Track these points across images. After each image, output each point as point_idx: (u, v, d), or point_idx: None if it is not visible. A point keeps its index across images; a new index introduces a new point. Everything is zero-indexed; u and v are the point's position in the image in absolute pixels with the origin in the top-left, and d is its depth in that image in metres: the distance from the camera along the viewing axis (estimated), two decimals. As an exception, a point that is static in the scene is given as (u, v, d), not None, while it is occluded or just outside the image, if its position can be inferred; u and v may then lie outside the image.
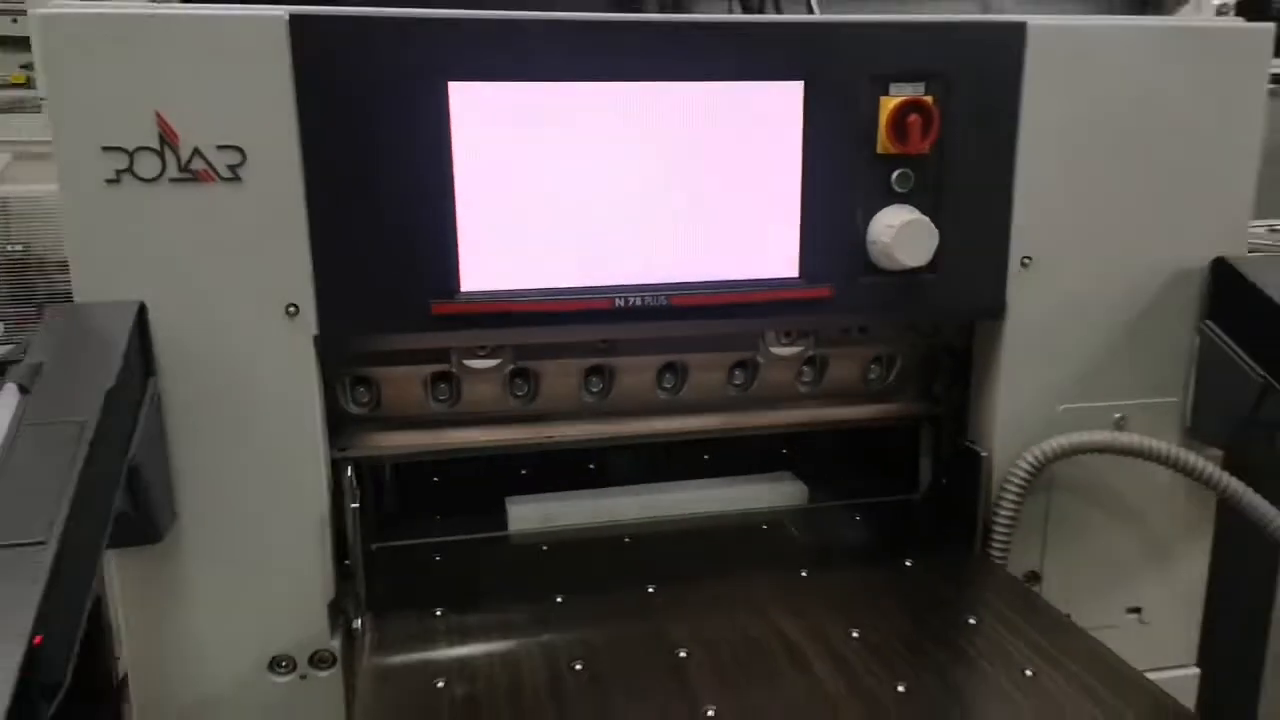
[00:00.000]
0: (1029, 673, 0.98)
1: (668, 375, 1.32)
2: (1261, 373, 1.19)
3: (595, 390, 1.30)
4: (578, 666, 1.01)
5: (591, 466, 1.50)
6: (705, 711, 0.93)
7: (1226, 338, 1.23)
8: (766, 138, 1.12)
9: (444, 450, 1.29)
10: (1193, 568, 1.37)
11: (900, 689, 0.96)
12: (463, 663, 1.02)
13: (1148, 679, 0.97)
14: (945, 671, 1.01)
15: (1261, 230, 2.30)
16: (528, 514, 1.36)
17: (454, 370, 1.23)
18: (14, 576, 0.73)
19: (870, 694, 0.96)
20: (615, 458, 1.51)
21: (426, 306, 1.09)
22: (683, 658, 1.02)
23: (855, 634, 1.06)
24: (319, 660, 1.15)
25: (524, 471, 1.50)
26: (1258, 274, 1.21)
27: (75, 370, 0.92)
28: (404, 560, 1.27)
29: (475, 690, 0.97)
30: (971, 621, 1.10)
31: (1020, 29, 1.16)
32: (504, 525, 1.36)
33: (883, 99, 1.13)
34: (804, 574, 1.22)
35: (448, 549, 1.30)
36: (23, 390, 0.88)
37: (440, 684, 0.98)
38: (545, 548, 1.31)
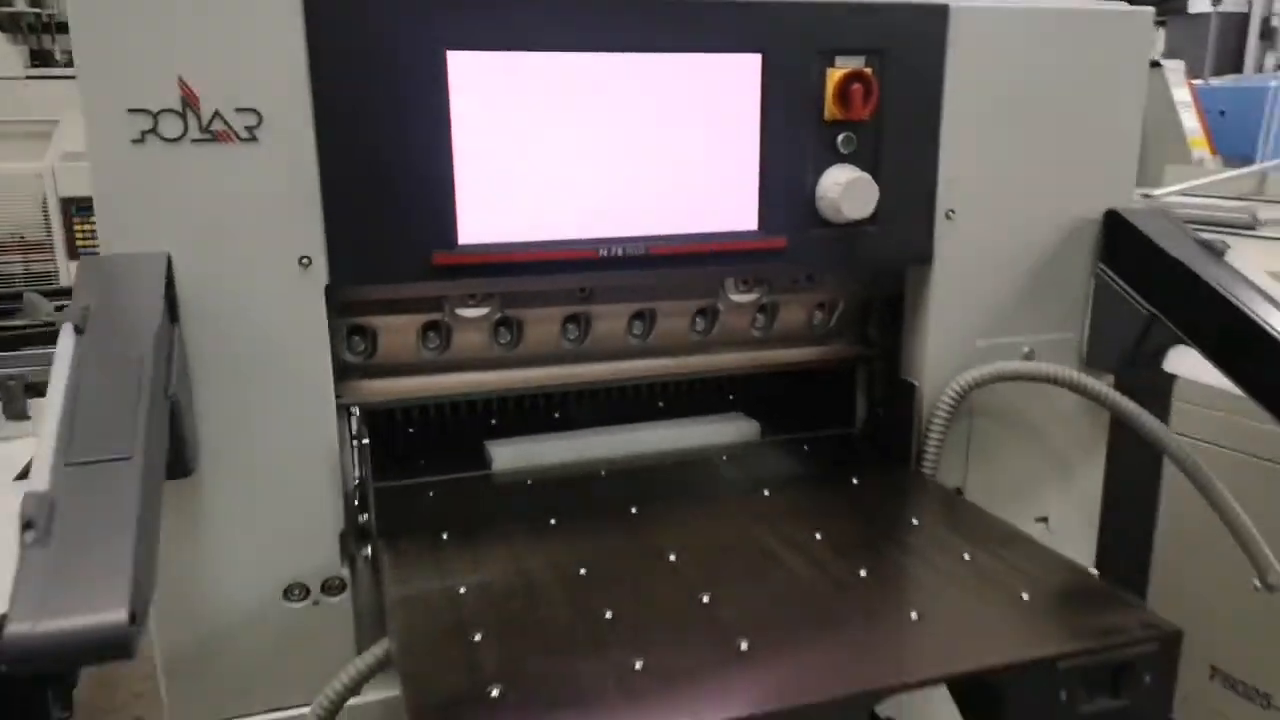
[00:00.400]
0: (967, 557, 1.16)
1: (637, 322, 1.45)
2: (1148, 306, 1.39)
3: (573, 337, 1.43)
4: (582, 571, 1.14)
5: (556, 415, 1.63)
6: (701, 599, 1.07)
7: (1118, 278, 1.44)
8: (730, 104, 1.27)
9: (433, 396, 1.39)
10: (1091, 481, 1.58)
11: (862, 574, 1.12)
12: (478, 573, 1.14)
13: (1065, 557, 1.16)
14: (897, 559, 1.18)
15: (1136, 196, 2.58)
16: (508, 454, 1.48)
17: (445, 319, 1.34)
18: (111, 486, 0.82)
19: (838, 578, 1.12)
20: (579, 405, 1.63)
21: (429, 257, 1.19)
22: (673, 561, 1.17)
23: (818, 536, 1.22)
24: (330, 587, 1.24)
25: (494, 421, 1.60)
26: (1144, 223, 1.42)
27: (122, 313, 1.00)
28: (399, 497, 1.37)
29: (495, 593, 1.09)
30: (914, 522, 1.27)
31: (943, 10, 1.33)
32: (485, 467, 1.47)
33: (829, 70, 1.28)
34: (766, 493, 1.38)
35: (438, 487, 1.41)
36: (77, 330, 0.95)
37: (462, 590, 1.10)
38: (529, 482, 1.43)
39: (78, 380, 0.90)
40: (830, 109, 1.29)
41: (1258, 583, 1.34)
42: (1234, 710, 2.33)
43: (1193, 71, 5.60)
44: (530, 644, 1.00)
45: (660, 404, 1.67)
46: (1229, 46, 7.96)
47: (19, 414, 2.35)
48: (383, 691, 1.23)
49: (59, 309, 2.79)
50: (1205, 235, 1.43)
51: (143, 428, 0.87)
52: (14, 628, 0.71)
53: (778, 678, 0.94)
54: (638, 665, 0.94)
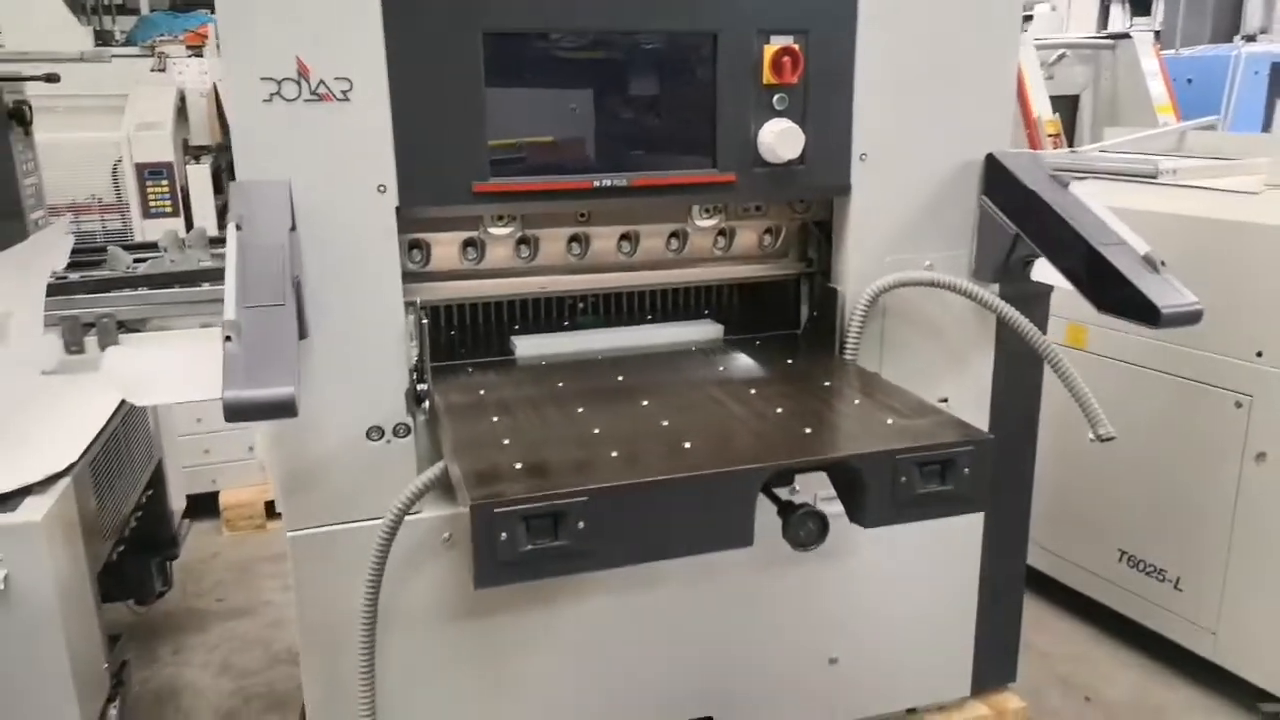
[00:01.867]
0: (857, 402, 1.61)
1: (625, 242, 1.90)
2: (1013, 227, 1.82)
3: (576, 253, 1.88)
4: (580, 410, 1.60)
5: (566, 324, 2.08)
6: (662, 424, 1.53)
7: (994, 207, 1.87)
8: (693, 72, 1.70)
9: (472, 296, 1.85)
10: (982, 368, 2.02)
11: (779, 411, 1.58)
12: (507, 410, 1.60)
13: (931, 402, 1.60)
14: (807, 403, 1.63)
15: (1066, 153, 2.98)
16: (528, 345, 1.93)
17: (480, 236, 1.79)
18: (274, 320, 1.28)
19: (761, 413, 1.57)
20: (581, 313, 2.08)
21: (470, 186, 1.64)
22: (646, 405, 1.62)
23: (753, 391, 1.68)
24: (399, 431, 1.70)
25: (516, 327, 2.06)
26: (1012, 163, 1.84)
27: (264, 219, 1.46)
28: (445, 372, 1.83)
29: (518, 424, 1.55)
30: (826, 384, 1.72)
31: (853, -4, 1.75)
32: (509, 355, 1.93)
33: (766, 46, 1.72)
34: (721, 369, 1.83)
35: (475, 367, 1.87)
36: (238, 228, 1.42)
37: (495, 419, 1.56)
38: (544, 363, 1.88)
39: (244, 258, 1.36)
40: (767, 75, 1.72)
41: (1092, 435, 1.77)
42: (1139, 586, 2.76)
43: (1181, 41, 5.91)
44: (541, 446, 1.46)
45: (650, 317, 2.11)
46: (1227, 15, 8.24)
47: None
48: (434, 511, 1.70)
49: (138, 261, 3.27)
50: (1064, 175, 1.86)
51: (290, 289, 1.33)
52: (228, 394, 1.18)
53: (707, 458, 1.39)
54: (613, 455, 1.40)
